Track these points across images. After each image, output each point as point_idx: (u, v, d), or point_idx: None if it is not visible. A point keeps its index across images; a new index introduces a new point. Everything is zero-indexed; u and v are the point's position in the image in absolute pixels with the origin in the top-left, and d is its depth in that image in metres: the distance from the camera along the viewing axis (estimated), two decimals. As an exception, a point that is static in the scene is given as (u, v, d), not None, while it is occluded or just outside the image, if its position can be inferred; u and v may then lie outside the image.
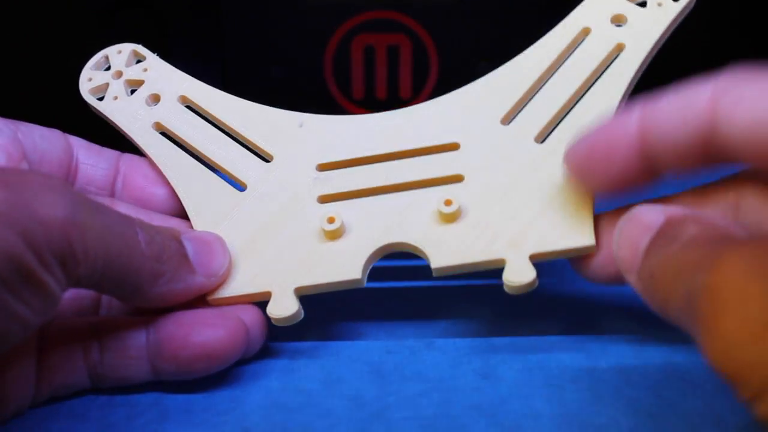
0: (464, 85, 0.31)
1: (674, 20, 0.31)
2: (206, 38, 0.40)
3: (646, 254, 0.23)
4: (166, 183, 0.31)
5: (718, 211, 0.26)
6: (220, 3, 0.40)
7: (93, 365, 0.27)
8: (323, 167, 0.30)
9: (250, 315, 0.28)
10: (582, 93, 0.30)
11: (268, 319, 0.28)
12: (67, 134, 0.31)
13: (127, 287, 0.26)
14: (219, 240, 0.29)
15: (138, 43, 0.34)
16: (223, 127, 0.32)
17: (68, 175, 0.31)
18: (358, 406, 0.27)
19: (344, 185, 0.30)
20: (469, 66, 0.41)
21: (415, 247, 0.28)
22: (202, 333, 0.27)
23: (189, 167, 0.31)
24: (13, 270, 0.22)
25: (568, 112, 0.30)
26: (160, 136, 0.32)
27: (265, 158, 0.31)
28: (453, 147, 0.30)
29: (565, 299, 0.32)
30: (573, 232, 0.27)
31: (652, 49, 0.30)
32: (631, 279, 0.24)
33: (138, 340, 0.27)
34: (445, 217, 0.28)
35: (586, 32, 0.31)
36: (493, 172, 0.29)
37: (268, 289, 0.28)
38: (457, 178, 0.29)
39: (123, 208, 0.30)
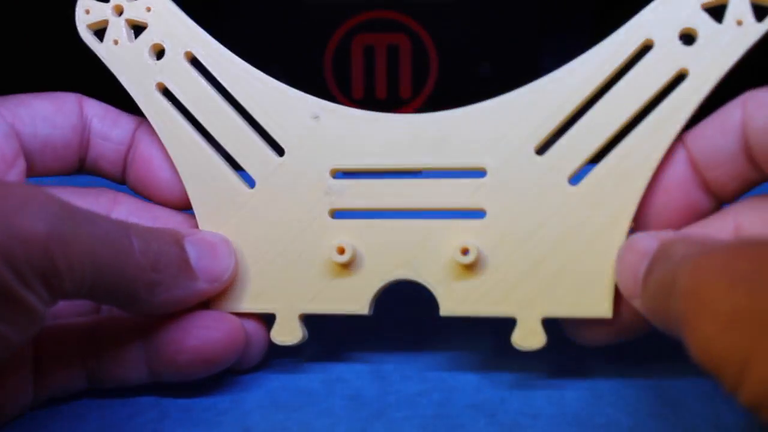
0: (501, 94, 0.29)
1: (751, 46, 0.26)
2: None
3: (644, 278, 0.24)
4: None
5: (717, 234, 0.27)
6: (220, 3, 0.40)
7: (90, 369, 0.27)
8: (338, 171, 0.28)
9: (251, 326, 0.28)
10: (629, 127, 0.27)
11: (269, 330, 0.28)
12: (83, 101, 0.30)
13: (123, 298, 0.25)
14: (224, 242, 0.28)
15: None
16: (233, 100, 0.29)
17: (79, 151, 0.29)
18: (358, 405, 0.27)
19: (359, 201, 0.28)
20: (469, 66, 0.41)
21: (426, 287, 0.27)
22: (198, 336, 0.26)
23: (197, 152, 0.29)
24: None
25: (609, 151, 0.27)
26: (166, 103, 0.29)
27: (277, 148, 0.29)
28: (480, 169, 0.27)
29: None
30: (591, 300, 0.26)
31: (719, 79, 0.26)
32: (636, 304, 0.25)
33: (135, 344, 0.27)
34: (462, 267, 0.27)
35: (647, 45, 0.27)
36: (518, 210, 0.27)
37: (272, 311, 0.28)
38: (479, 209, 0.27)
39: (125, 207, 0.30)
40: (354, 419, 0.27)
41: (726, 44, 0.26)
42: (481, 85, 0.41)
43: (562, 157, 0.27)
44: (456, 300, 0.27)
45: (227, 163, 0.29)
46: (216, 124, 0.29)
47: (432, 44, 0.40)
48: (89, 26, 0.30)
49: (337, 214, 0.28)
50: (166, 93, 0.30)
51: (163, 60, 0.30)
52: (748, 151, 0.26)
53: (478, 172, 0.27)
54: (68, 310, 0.28)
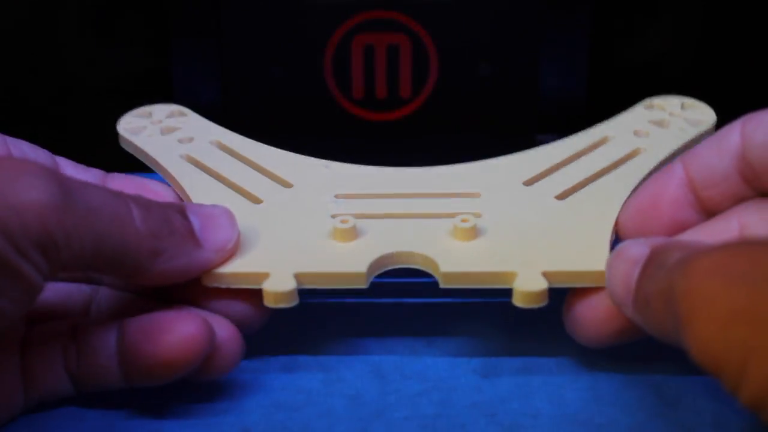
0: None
1: (693, 140, 0.32)
2: (206, 38, 0.40)
3: (637, 286, 0.24)
4: (158, 197, 0.29)
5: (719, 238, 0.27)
6: (220, 3, 0.40)
7: (72, 372, 0.26)
8: (342, 197, 0.31)
9: (223, 331, 0.27)
10: (601, 174, 0.31)
11: (244, 337, 0.27)
12: (53, 154, 0.30)
13: (125, 267, 0.25)
14: (226, 213, 0.28)
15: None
16: (252, 166, 0.32)
17: None
18: (358, 405, 0.27)
19: (362, 209, 0.30)
20: (469, 66, 0.41)
21: (425, 257, 0.27)
22: (157, 341, 0.25)
23: (207, 182, 0.31)
24: None
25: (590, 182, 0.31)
26: (190, 164, 0.32)
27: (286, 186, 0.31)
28: (474, 195, 0.30)
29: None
30: (587, 258, 0.27)
31: (669, 156, 0.32)
32: (628, 312, 0.25)
33: (108, 348, 0.26)
34: (460, 233, 0.28)
35: (605, 140, 0.33)
36: (511, 213, 0.29)
37: (266, 270, 0.27)
38: (475, 215, 0.29)
39: (117, 182, 0.30)
40: (354, 419, 0.27)
41: (671, 136, 0.33)
42: (481, 85, 0.41)
43: (549, 185, 0.31)
44: (455, 262, 0.27)
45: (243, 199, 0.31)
46: (235, 176, 0.32)
47: (432, 44, 0.40)
48: (127, 129, 0.34)
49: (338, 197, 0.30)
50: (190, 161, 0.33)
51: (192, 143, 0.33)
52: (744, 171, 0.27)
53: (473, 198, 0.30)
54: (57, 311, 0.28)
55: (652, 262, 0.24)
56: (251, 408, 0.27)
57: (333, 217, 0.29)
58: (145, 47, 0.42)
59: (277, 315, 0.28)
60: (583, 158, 0.32)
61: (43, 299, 0.27)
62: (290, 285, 0.27)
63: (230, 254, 0.27)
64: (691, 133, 0.33)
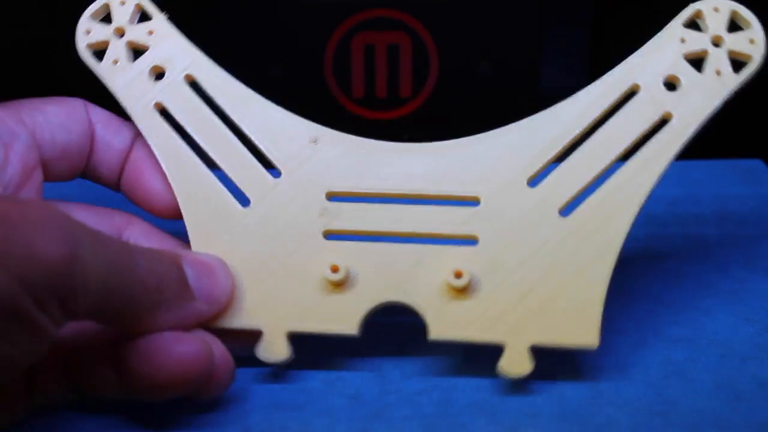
0: (494, 128, 0.29)
1: (730, 94, 0.28)
2: (206, 38, 0.40)
3: None
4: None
5: None
6: (220, 3, 0.40)
7: (73, 383, 0.26)
8: (334, 194, 0.29)
9: (218, 351, 0.26)
10: (617, 163, 0.28)
11: (236, 359, 0.27)
12: (89, 107, 0.30)
13: (126, 318, 0.25)
14: (221, 264, 0.27)
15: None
16: (231, 122, 0.30)
17: (87, 159, 0.30)
18: (358, 405, 0.27)
19: (354, 223, 0.28)
20: (469, 66, 0.41)
21: (417, 312, 0.27)
22: (156, 362, 0.25)
23: (191, 168, 0.29)
24: (5, 312, 0.21)
25: (599, 185, 0.28)
26: (162, 121, 0.30)
27: (273, 170, 0.29)
28: (473, 199, 0.28)
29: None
30: (579, 329, 0.26)
31: (701, 124, 0.28)
32: None
33: (107, 368, 0.26)
34: (454, 290, 0.27)
35: (634, 90, 0.28)
36: (509, 239, 0.28)
37: (259, 327, 0.27)
38: (472, 237, 0.28)
39: (137, 229, 0.30)
40: (354, 419, 0.27)
41: (706, 93, 0.28)
42: (481, 85, 0.41)
43: (553, 189, 0.28)
44: (445, 325, 0.27)
45: (221, 183, 0.29)
46: (212, 144, 0.29)
47: (432, 43, 0.40)
48: (89, 46, 0.31)
49: (330, 236, 0.28)
50: (164, 113, 0.30)
51: (162, 81, 0.30)
52: None
53: (472, 202, 0.28)
54: None
55: None
56: (251, 408, 0.27)
57: (327, 235, 0.28)
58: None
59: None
60: (600, 133, 0.28)
61: None
62: (284, 353, 0.27)
63: (226, 305, 0.27)
64: (730, 84, 0.28)
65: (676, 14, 0.29)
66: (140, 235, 0.30)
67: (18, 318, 0.21)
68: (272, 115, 0.30)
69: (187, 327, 0.26)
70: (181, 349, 0.25)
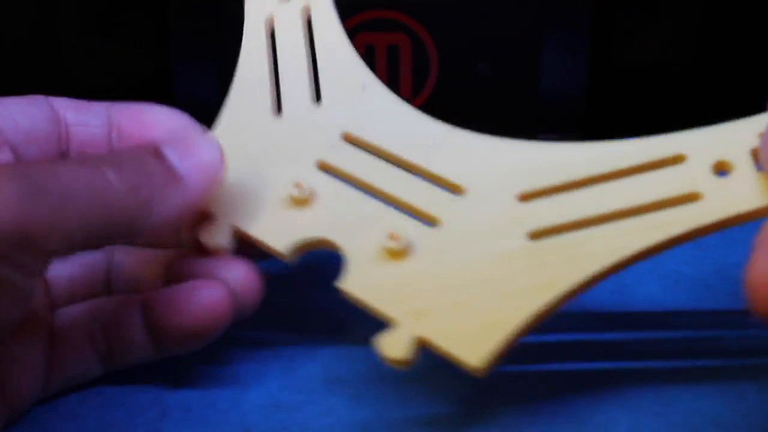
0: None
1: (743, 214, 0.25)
2: (206, 38, 0.40)
3: None
4: (162, 125, 0.29)
5: None
6: (220, 3, 0.40)
7: (101, 351, 0.27)
8: (348, 137, 0.29)
9: (238, 274, 0.27)
10: (618, 217, 0.26)
11: (261, 275, 0.27)
12: (50, 97, 0.29)
13: (121, 231, 0.24)
14: (203, 135, 0.27)
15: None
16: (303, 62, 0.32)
17: (59, 144, 0.29)
18: (358, 404, 0.27)
19: (347, 166, 0.28)
20: (469, 66, 0.41)
21: (345, 258, 0.27)
22: (182, 311, 0.26)
23: (260, 73, 0.31)
24: None
25: (583, 227, 0.26)
26: (266, 40, 0.32)
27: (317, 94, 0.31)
28: (458, 189, 0.27)
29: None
30: (473, 347, 0.24)
31: (723, 219, 0.25)
32: None
33: (135, 324, 0.26)
34: (387, 253, 0.26)
35: (679, 159, 0.26)
36: (469, 237, 0.26)
37: (213, 211, 0.27)
38: (436, 220, 0.27)
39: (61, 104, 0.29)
40: (354, 419, 0.27)
41: (750, 191, 0.25)
42: (481, 85, 0.41)
43: (537, 212, 0.26)
44: (357, 280, 0.26)
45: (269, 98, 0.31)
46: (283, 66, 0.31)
47: (432, 44, 0.40)
48: None
49: (322, 166, 0.29)
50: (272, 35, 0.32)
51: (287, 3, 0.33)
52: None
53: (455, 192, 0.27)
54: (79, 294, 0.28)
55: None
56: (251, 408, 0.27)
57: (320, 166, 0.28)
58: (145, 47, 0.42)
59: (278, 315, 0.28)
60: (617, 183, 0.26)
61: (62, 282, 0.28)
62: (224, 242, 0.27)
63: (219, 174, 0.26)
64: (764, 200, 0.25)
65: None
66: (68, 109, 0.29)
67: None
68: (345, 50, 0.32)
69: (190, 211, 0.26)
70: (205, 294, 0.26)
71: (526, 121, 0.42)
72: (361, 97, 0.30)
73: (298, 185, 0.28)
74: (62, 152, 0.29)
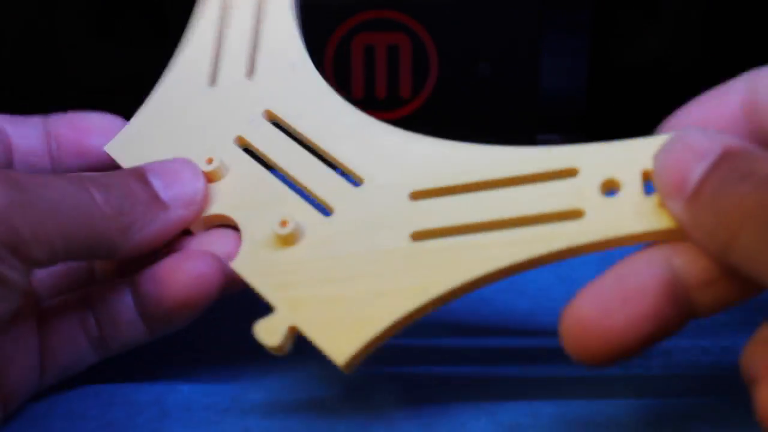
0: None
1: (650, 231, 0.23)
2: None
3: (703, 185, 0.21)
4: (100, 131, 0.30)
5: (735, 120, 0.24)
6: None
7: (93, 338, 0.27)
8: (270, 115, 0.29)
9: (227, 246, 0.27)
10: (500, 226, 0.25)
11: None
12: None
13: (99, 251, 0.25)
14: (187, 164, 0.27)
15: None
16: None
17: (5, 154, 0.29)
18: (358, 404, 0.27)
19: (264, 146, 0.29)
20: (469, 66, 0.41)
21: (241, 233, 0.27)
22: (171, 284, 0.26)
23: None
24: None
25: (464, 233, 0.25)
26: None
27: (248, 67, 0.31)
28: (358, 179, 0.27)
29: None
30: (340, 343, 0.24)
31: (603, 239, 0.24)
32: (675, 206, 0.22)
33: (125, 304, 0.27)
34: (275, 237, 0.26)
35: (572, 172, 0.25)
36: (356, 229, 0.26)
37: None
38: (328, 208, 0.27)
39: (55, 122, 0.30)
40: (354, 419, 0.27)
41: (635, 215, 0.23)
42: (481, 85, 0.41)
43: (424, 213, 0.26)
44: (248, 262, 0.26)
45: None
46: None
47: (432, 44, 0.40)
48: None
49: (242, 147, 0.29)
50: None
51: None
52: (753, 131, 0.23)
53: (355, 181, 0.27)
54: (63, 286, 0.28)
55: (731, 165, 0.21)
56: (251, 408, 0.27)
57: (239, 143, 0.29)
58: (145, 47, 0.42)
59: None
60: (516, 190, 0.25)
61: (45, 275, 0.28)
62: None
63: (203, 204, 0.27)
64: (657, 225, 0.23)
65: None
66: (62, 125, 0.30)
67: None
68: (288, 27, 0.32)
69: (170, 236, 0.27)
70: (193, 264, 0.26)
71: (526, 121, 0.42)
72: (290, 77, 0.30)
73: (208, 160, 0.28)
74: (7, 162, 0.29)
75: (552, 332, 0.30)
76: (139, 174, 0.27)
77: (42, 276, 0.28)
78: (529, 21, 0.40)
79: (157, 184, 0.26)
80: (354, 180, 0.27)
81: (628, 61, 0.43)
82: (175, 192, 0.27)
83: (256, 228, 0.27)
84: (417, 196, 0.26)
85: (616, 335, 0.21)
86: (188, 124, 0.30)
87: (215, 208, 0.27)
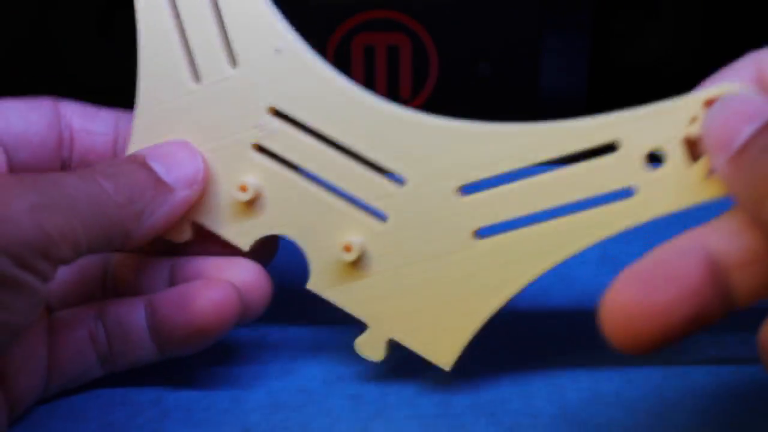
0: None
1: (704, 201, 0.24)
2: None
3: (748, 145, 0.21)
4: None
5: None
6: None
7: (102, 353, 0.27)
8: (275, 112, 0.27)
9: (245, 274, 0.27)
10: (557, 214, 0.25)
11: (270, 277, 0.28)
12: (58, 101, 0.30)
13: (117, 240, 0.25)
14: (183, 145, 0.27)
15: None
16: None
17: (60, 150, 0.29)
18: (358, 405, 0.27)
19: (284, 150, 0.27)
20: (469, 66, 0.41)
21: (307, 257, 0.27)
22: (189, 310, 0.26)
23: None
24: None
25: (529, 223, 0.26)
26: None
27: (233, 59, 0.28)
28: (398, 174, 0.27)
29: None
30: (439, 346, 0.27)
31: (660, 215, 0.25)
32: (718, 161, 0.22)
33: (138, 324, 0.27)
34: (344, 262, 0.27)
35: (614, 144, 0.25)
36: (417, 233, 0.26)
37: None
38: (381, 215, 0.27)
39: (69, 110, 0.29)
40: (354, 419, 0.27)
41: (683, 187, 0.24)
42: (481, 85, 0.41)
43: (479, 208, 0.26)
44: (325, 282, 0.27)
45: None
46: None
47: (432, 44, 0.40)
48: None
49: (260, 151, 0.27)
50: None
51: None
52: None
53: (398, 177, 0.27)
54: (75, 298, 0.28)
55: None
56: (251, 408, 0.27)
57: (255, 149, 0.27)
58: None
59: (278, 314, 0.28)
60: (550, 175, 0.25)
61: (59, 284, 0.28)
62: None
63: (204, 182, 0.27)
64: (710, 194, 0.24)
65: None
66: (75, 114, 0.30)
67: (3, 281, 0.22)
68: (258, 10, 0.28)
69: (179, 217, 0.27)
70: (212, 293, 0.26)
71: (526, 121, 0.42)
72: (280, 65, 0.27)
73: (242, 188, 0.27)
74: (63, 158, 0.29)
75: (552, 332, 0.30)
76: (140, 160, 0.27)
77: (53, 287, 0.28)
78: (529, 21, 0.40)
79: (158, 168, 0.27)
80: (394, 176, 0.27)
81: (628, 61, 0.43)
82: (177, 174, 0.27)
83: (318, 248, 0.27)
84: (464, 189, 0.26)
85: (657, 317, 0.21)
86: (191, 128, 0.28)
87: (265, 229, 0.27)
